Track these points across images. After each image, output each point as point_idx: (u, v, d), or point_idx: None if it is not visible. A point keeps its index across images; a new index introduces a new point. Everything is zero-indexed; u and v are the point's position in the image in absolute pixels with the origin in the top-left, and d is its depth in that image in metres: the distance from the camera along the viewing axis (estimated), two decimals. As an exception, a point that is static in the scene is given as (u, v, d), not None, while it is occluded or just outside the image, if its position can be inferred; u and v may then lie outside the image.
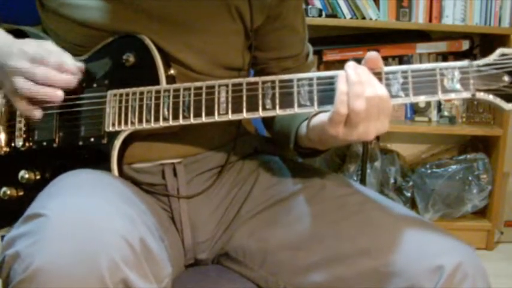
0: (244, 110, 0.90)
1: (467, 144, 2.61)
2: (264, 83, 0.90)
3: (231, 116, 0.90)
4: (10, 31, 1.04)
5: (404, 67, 0.86)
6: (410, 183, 2.51)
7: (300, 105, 0.89)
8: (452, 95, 0.85)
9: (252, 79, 0.91)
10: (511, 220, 2.60)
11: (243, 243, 1.00)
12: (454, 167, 2.48)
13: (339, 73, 0.85)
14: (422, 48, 2.45)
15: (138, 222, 0.79)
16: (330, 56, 2.43)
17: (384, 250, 0.89)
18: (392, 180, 2.49)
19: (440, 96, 0.85)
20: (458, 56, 2.49)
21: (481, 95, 0.84)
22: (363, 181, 2.28)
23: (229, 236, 1.02)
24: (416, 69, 0.86)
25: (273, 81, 0.89)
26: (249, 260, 0.99)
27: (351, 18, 2.36)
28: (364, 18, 2.36)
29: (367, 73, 0.84)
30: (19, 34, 1.04)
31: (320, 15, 2.35)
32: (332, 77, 0.87)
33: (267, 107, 0.89)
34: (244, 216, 1.02)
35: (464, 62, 0.85)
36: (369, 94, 0.82)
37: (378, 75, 0.85)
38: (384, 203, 0.97)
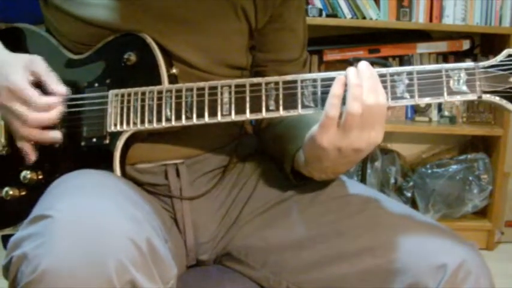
0: (248, 111, 0.90)
1: (468, 144, 2.61)
2: (267, 84, 0.89)
3: (234, 117, 0.90)
4: (7, 29, 1.04)
5: (409, 68, 0.85)
6: (411, 183, 2.51)
7: (303, 107, 0.88)
8: (458, 97, 0.83)
9: (255, 80, 0.90)
10: (512, 220, 2.60)
11: (245, 242, 1.00)
12: (454, 167, 2.48)
13: (340, 74, 0.84)
14: (422, 48, 2.45)
15: (144, 224, 0.78)
16: (330, 56, 2.43)
17: (387, 248, 0.89)
18: (392, 180, 2.49)
19: (446, 98, 0.84)
20: (459, 55, 2.49)
21: (487, 97, 0.83)
22: (363, 181, 2.27)
23: (232, 237, 1.02)
24: (421, 70, 0.85)
25: (277, 82, 0.89)
26: (251, 259, 0.99)
27: (351, 18, 2.36)
28: (364, 18, 2.36)
29: (372, 77, 0.83)
30: (15, 33, 1.04)
31: (320, 15, 2.35)
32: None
33: (271, 108, 0.89)
34: (247, 216, 1.02)
35: (471, 63, 0.83)
36: (369, 101, 0.80)
37: (382, 77, 0.84)
38: (386, 201, 0.97)
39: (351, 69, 0.83)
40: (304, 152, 0.91)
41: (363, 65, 0.84)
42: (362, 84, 0.81)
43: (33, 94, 0.90)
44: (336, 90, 0.82)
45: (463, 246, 0.87)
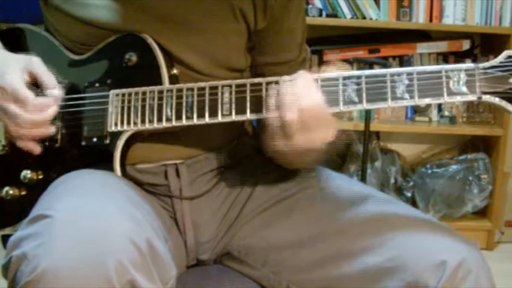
0: (248, 110, 0.90)
1: (468, 144, 2.61)
2: (268, 83, 0.89)
3: (234, 117, 0.90)
4: (9, 30, 1.04)
5: (409, 69, 0.86)
6: (411, 183, 2.51)
7: None
8: (458, 98, 0.84)
9: (255, 80, 0.90)
10: (512, 220, 2.60)
11: (245, 242, 1.00)
12: (454, 167, 2.48)
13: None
14: (422, 48, 2.45)
15: (144, 224, 0.79)
16: (330, 56, 2.43)
17: (387, 246, 0.89)
18: (392, 180, 2.49)
19: (446, 98, 0.84)
20: (459, 56, 2.49)
21: (487, 98, 0.84)
22: (363, 181, 2.27)
23: (232, 236, 1.02)
24: (421, 71, 0.85)
25: (277, 82, 0.89)
26: (251, 258, 0.99)
27: (351, 18, 2.36)
28: (364, 18, 2.36)
29: (304, 83, 0.85)
30: (16, 33, 1.04)
31: (320, 15, 2.35)
32: (336, 79, 0.87)
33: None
34: (247, 216, 1.02)
35: (471, 64, 0.84)
36: (302, 105, 0.83)
37: (382, 77, 0.85)
38: (386, 200, 0.98)
39: (283, 79, 0.87)
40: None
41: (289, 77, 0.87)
42: (295, 92, 0.84)
43: (28, 95, 0.90)
44: (273, 102, 0.85)
45: (463, 244, 0.87)
